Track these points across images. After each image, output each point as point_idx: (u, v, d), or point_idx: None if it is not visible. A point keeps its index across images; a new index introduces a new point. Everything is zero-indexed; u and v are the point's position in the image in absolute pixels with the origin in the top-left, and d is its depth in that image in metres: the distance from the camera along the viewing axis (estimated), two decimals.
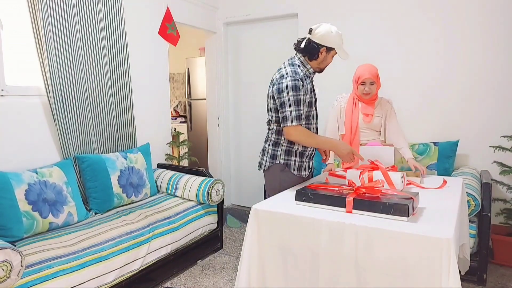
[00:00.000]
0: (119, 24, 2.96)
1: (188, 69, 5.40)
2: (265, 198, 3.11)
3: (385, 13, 3.32)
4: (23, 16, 2.42)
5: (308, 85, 2.04)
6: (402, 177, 1.85)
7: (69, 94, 2.59)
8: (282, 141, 2.10)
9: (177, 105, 5.99)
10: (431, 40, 3.16)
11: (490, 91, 3.00)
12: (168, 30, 3.49)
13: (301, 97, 1.95)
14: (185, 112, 5.79)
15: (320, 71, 2.12)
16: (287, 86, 1.93)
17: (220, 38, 4.20)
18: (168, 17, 3.47)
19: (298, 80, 1.94)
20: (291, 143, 2.09)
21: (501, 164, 2.87)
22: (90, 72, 2.76)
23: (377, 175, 1.86)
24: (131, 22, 3.13)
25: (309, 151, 2.14)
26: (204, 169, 3.21)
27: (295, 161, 2.10)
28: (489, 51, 2.98)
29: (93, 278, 2.03)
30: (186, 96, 5.50)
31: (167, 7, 3.46)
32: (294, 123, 1.93)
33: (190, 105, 5.43)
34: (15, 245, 1.92)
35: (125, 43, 3.01)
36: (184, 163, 4.01)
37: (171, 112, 4.09)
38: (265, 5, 3.89)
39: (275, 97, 1.99)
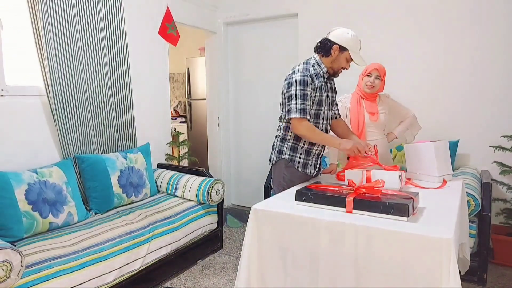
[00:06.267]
0: (119, 24, 2.96)
1: (188, 69, 5.40)
2: (268, 194, 3.15)
3: (385, 13, 3.32)
4: (23, 16, 2.41)
5: (318, 84, 2.06)
6: (399, 176, 1.85)
7: (69, 94, 2.59)
8: (288, 137, 2.15)
9: (177, 105, 5.99)
10: (431, 40, 3.16)
11: (490, 91, 3.00)
12: (168, 30, 3.49)
13: (308, 92, 2.00)
14: (185, 112, 5.79)
15: (334, 73, 2.12)
16: (296, 80, 2.00)
17: (220, 38, 4.20)
18: (168, 17, 3.47)
19: (307, 76, 2.00)
20: (296, 139, 2.12)
21: (501, 164, 2.87)
22: (90, 72, 2.76)
23: (376, 175, 1.86)
24: (131, 22, 3.13)
25: (316, 149, 2.16)
26: (204, 169, 3.21)
27: (300, 157, 2.13)
28: (489, 51, 2.98)
29: (93, 278, 2.03)
30: (186, 96, 5.50)
31: (167, 7, 3.46)
32: (298, 115, 1.97)
33: (190, 105, 5.43)
34: (15, 245, 1.92)
35: (125, 43, 3.01)
36: (184, 163, 4.01)
37: (171, 112, 4.09)
38: (265, 5, 3.89)
39: (285, 92, 2.07)
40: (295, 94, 1.99)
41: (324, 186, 1.76)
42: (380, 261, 1.35)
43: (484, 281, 2.50)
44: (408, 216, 1.41)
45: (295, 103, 1.98)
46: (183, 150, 4.00)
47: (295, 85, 1.99)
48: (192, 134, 5.41)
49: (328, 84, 2.17)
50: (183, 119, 5.68)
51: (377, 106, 2.53)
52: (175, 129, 4.85)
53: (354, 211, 1.52)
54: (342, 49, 2.03)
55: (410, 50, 3.26)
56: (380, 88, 2.52)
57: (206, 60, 4.36)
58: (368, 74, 2.47)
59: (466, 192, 2.37)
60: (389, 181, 1.81)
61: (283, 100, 2.11)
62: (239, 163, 4.40)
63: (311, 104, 2.04)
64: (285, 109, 2.09)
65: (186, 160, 4.03)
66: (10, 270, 1.65)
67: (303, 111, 1.98)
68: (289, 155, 2.14)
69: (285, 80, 2.09)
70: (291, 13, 3.76)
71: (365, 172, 1.89)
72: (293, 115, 1.99)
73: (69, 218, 2.33)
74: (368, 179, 1.86)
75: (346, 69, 2.12)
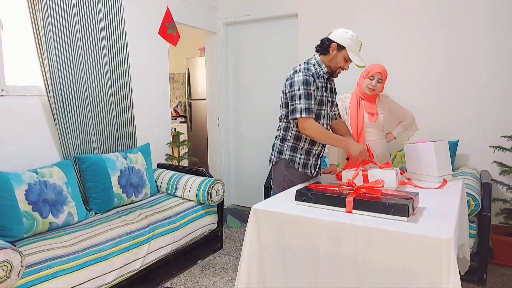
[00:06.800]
0: (119, 24, 2.96)
1: (188, 69, 5.40)
2: (268, 194, 3.15)
3: (386, 13, 3.32)
4: (23, 16, 2.41)
5: (320, 84, 2.06)
6: (396, 174, 1.85)
7: (69, 94, 2.59)
8: (288, 137, 2.15)
9: (177, 105, 5.99)
10: (432, 40, 3.16)
11: (490, 91, 3.00)
12: (168, 30, 3.49)
13: (312, 92, 1.99)
14: (185, 112, 5.79)
15: (332, 72, 2.11)
16: (298, 80, 1.99)
17: (220, 38, 4.20)
18: (168, 17, 3.47)
19: (309, 76, 2.00)
20: (297, 139, 2.12)
21: (501, 164, 2.87)
22: (90, 72, 2.76)
23: (372, 173, 1.86)
24: (131, 22, 3.13)
25: (316, 149, 2.16)
26: (204, 169, 3.21)
27: (300, 158, 2.13)
28: (489, 51, 2.98)
29: (93, 278, 2.03)
30: (186, 96, 5.50)
31: (167, 7, 3.46)
32: (303, 114, 1.96)
33: (190, 105, 5.43)
34: (15, 245, 1.92)
35: (125, 43, 3.01)
36: (184, 163, 4.01)
37: (171, 112, 4.09)
38: (265, 5, 3.89)
39: (287, 91, 2.05)
40: (299, 94, 1.97)
41: (324, 186, 1.76)
42: (380, 261, 1.35)
43: (484, 281, 2.51)
44: (408, 216, 1.41)
45: (300, 103, 1.97)
46: (183, 150, 4.00)
47: (298, 85, 1.98)
48: (192, 134, 5.41)
49: (328, 85, 2.17)
50: (183, 119, 5.68)
51: (377, 107, 2.53)
52: (175, 129, 4.86)
53: (354, 211, 1.52)
54: (340, 47, 2.02)
55: (410, 50, 3.26)
56: (380, 89, 2.52)
57: (206, 60, 4.36)
58: (371, 77, 2.46)
59: (466, 192, 2.38)
60: (385, 179, 1.81)
61: (285, 100, 2.10)
62: (239, 163, 4.40)
63: (315, 103, 2.04)
64: (288, 109, 2.08)
65: (186, 160, 4.03)
66: (10, 270, 1.65)
67: (308, 110, 1.97)
68: (289, 155, 2.14)
69: (287, 80, 2.07)
70: (291, 13, 3.77)
71: (361, 172, 1.89)
72: (298, 115, 1.97)
73: (69, 218, 2.33)
74: (365, 178, 1.86)
75: (345, 69, 2.11)
